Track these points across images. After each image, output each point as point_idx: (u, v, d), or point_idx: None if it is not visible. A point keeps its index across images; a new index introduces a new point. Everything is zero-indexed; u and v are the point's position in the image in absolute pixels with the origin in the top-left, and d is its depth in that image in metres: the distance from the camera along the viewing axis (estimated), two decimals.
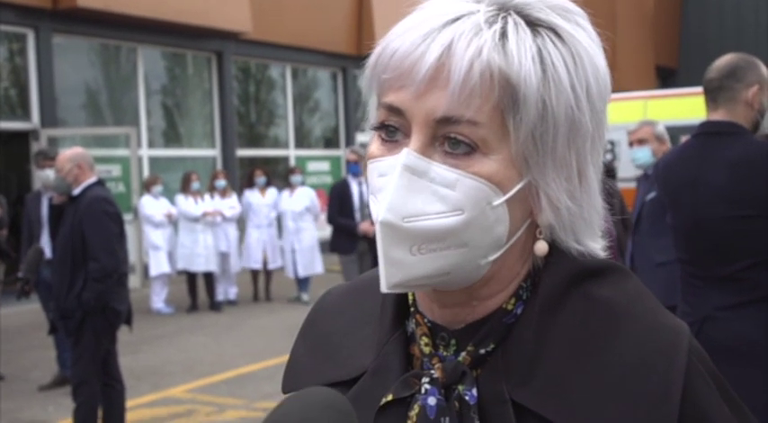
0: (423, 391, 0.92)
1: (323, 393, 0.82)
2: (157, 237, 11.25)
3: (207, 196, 11.62)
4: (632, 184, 6.67)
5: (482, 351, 0.92)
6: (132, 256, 10.33)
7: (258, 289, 12.08)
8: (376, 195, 0.90)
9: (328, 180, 17.04)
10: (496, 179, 0.87)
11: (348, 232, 9.07)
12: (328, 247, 9.62)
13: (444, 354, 0.95)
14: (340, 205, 9.16)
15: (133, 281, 10.55)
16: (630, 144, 6.13)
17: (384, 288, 0.89)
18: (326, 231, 10.15)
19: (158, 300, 11.22)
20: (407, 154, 0.87)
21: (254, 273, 12.08)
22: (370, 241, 9.17)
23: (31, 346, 8.85)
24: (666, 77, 25.28)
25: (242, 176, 13.31)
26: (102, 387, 5.38)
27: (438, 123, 0.86)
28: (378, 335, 1.00)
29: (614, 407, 0.86)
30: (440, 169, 0.86)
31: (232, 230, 11.79)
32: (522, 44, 0.86)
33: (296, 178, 11.82)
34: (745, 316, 3.05)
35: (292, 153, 17.48)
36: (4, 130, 12.64)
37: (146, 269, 11.70)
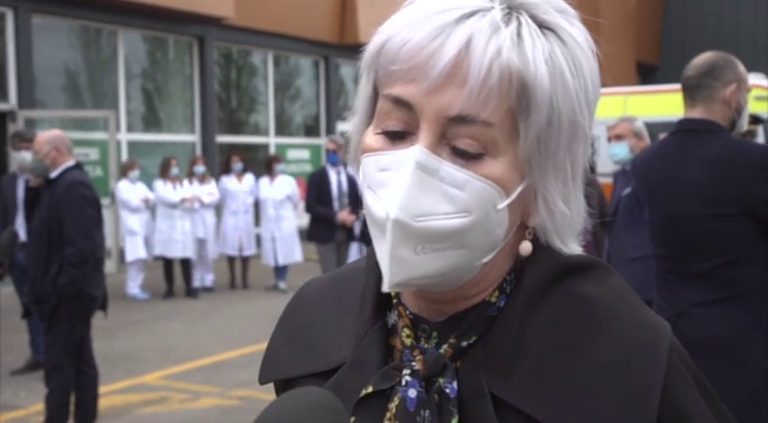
0: (403, 383, 0.91)
1: (314, 393, 0.81)
2: (134, 222, 11.18)
3: (185, 182, 11.55)
4: (610, 179, 6.71)
5: (464, 343, 0.92)
6: (108, 241, 10.25)
7: (235, 276, 12.04)
8: (376, 190, 0.88)
9: (308, 168, 17.00)
10: (503, 182, 0.87)
11: (326, 221, 9.05)
12: (306, 235, 9.60)
13: (425, 346, 0.94)
14: (318, 194, 9.14)
15: (109, 266, 10.48)
16: (609, 140, 6.17)
17: (386, 287, 0.88)
18: (305, 220, 10.13)
19: (134, 285, 11.17)
20: (420, 151, 0.85)
21: (231, 259, 12.04)
22: (348, 231, 9.17)
23: (3, 329, 8.76)
24: (647, 74, 25.40)
25: (221, 163, 13.25)
26: (75, 373, 5.35)
27: (450, 121, 0.85)
28: (357, 326, 0.99)
29: (594, 403, 0.86)
30: (450, 169, 0.85)
31: (210, 217, 11.74)
32: (536, 47, 0.85)
33: (280, 167, 11.78)
34: (719, 313, 3.07)
35: (272, 140, 17.41)
36: None
37: (122, 254, 11.63)
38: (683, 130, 3.27)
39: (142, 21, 14.35)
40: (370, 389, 0.93)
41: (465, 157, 0.86)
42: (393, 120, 0.88)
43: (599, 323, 0.90)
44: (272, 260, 11.53)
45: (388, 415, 0.92)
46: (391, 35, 0.88)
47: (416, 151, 0.85)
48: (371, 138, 0.91)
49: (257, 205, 12.09)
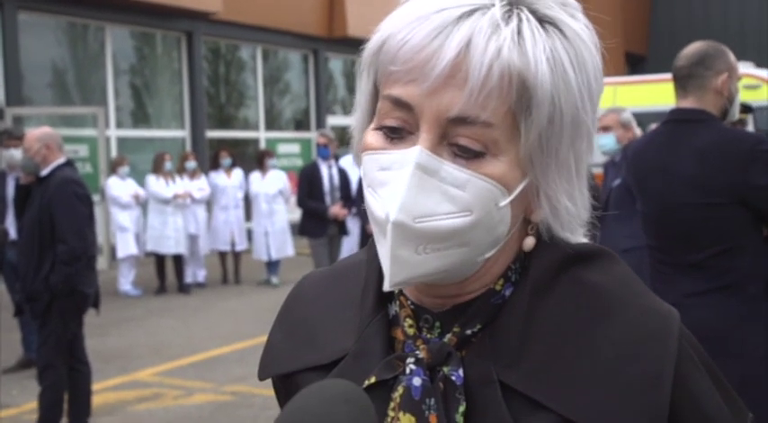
0: (407, 371, 0.91)
1: (341, 386, 0.80)
2: (124, 218, 11.15)
3: (177, 178, 11.52)
4: (601, 170, 6.72)
5: (468, 332, 0.91)
6: (99, 238, 10.22)
7: (227, 271, 12.02)
8: (376, 190, 0.88)
9: (299, 162, 16.98)
10: (505, 180, 0.86)
11: (318, 216, 9.04)
12: (297, 230, 9.59)
13: (428, 336, 0.94)
14: (309, 188, 9.12)
15: (100, 263, 10.43)
16: (596, 131, 6.17)
17: (387, 286, 0.88)
18: (297, 214, 10.12)
19: (126, 282, 11.14)
20: (420, 152, 0.85)
21: (223, 255, 12.02)
22: (340, 225, 9.16)
23: None
24: (635, 64, 25.43)
25: (211, 158, 13.23)
26: (68, 370, 5.33)
27: (450, 122, 0.85)
28: (359, 318, 0.99)
29: (604, 390, 0.85)
30: (450, 169, 0.85)
31: (201, 212, 11.72)
32: (537, 45, 0.85)
33: (271, 161, 11.75)
34: (712, 303, 3.08)
35: (263, 135, 17.38)
36: None
37: (113, 251, 11.60)
38: (675, 120, 3.27)
39: (130, 16, 14.29)
40: (372, 379, 0.93)
41: (466, 157, 0.85)
42: (393, 119, 0.88)
43: (607, 311, 0.90)
44: (265, 255, 11.50)
45: (392, 405, 0.91)
46: (391, 34, 0.87)
47: (416, 152, 0.85)
48: (372, 136, 0.90)
49: (248, 200, 12.06)
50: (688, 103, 3.23)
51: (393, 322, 0.98)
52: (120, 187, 11.14)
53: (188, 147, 15.26)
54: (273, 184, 11.54)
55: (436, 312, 0.94)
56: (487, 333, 0.91)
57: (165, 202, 11.19)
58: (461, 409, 0.89)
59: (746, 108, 9.36)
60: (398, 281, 0.87)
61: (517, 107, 0.85)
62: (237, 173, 12.07)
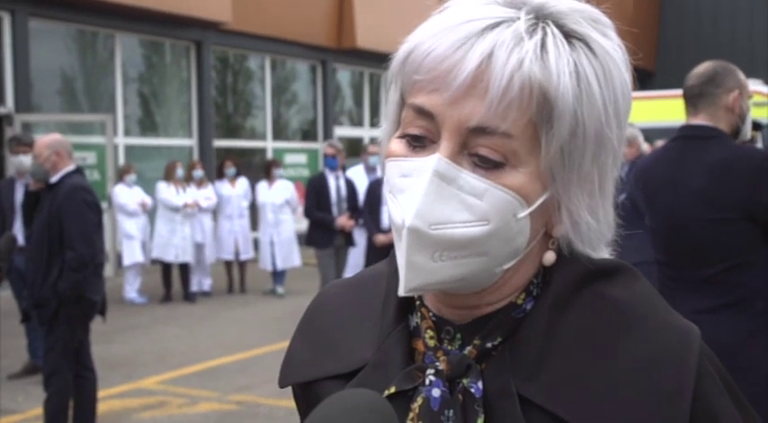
0: (427, 382, 0.92)
1: (365, 396, 0.80)
2: (131, 226, 11.16)
3: (192, 186, 11.54)
4: None
5: (489, 345, 0.92)
6: (106, 245, 10.23)
7: (233, 281, 12.03)
8: (396, 196, 0.89)
9: (305, 173, 17.00)
10: (523, 192, 0.87)
11: (325, 226, 9.05)
12: (304, 240, 9.59)
13: (449, 348, 0.94)
14: (317, 199, 9.13)
15: (106, 270, 10.46)
16: None
17: (402, 291, 0.88)
18: (303, 224, 10.13)
19: (131, 289, 11.14)
20: (438, 160, 0.86)
21: (229, 264, 12.03)
22: (347, 236, 9.17)
23: (1, 334, 8.74)
24: (643, 79, 25.46)
25: (216, 167, 13.26)
26: (74, 377, 5.33)
27: (470, 132, 0.86)
28: (379, 328, 1.00)
29: (623, 405, 0.86)
30: (469, 178, 0.86)
31: (207, 221, 11.73)
32: (561, 58, 0.86)
33: (279, 171, 11.78)
34: (721, 319, 3.08)
35: (270, 145, 17.41)
36: None
37: (119, 258, 11.61)
38: (685, 137, 3.28)
39: (139, 25, 14.35)
40: (392, 389, 0.93)
41: (485, 167, 0.86)
42: (415, 127, 0.89)
43: (628, 326, 0.90)
44: (270, 265, 11.50)
45: (411, 415, 0.92)
46: (417, 44, 0.88)
47: (435, 160, 0.86)
48: (395, 144, 0.92)
49: (255, 209, 12.08)
50: (699, 120, 3.24)
51: (413, 333, 0.99)
52: (126, 195, 11.17)
53: (195, 155, 15.30)
54: (280, 194, 11.55)
55: (458, 324, 0.95)
56: (508, 346, 0.92)
57: (175, 210, 11.20)
58: (480, 421, 0.89)
59: (756, 125, 9.35)
60: (413, 286, 0.88)
61: (538, 119, 0.85)
62: (242, 182, 12.10)
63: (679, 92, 3.42)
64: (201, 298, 11.42)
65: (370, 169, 10.03)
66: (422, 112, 0.88)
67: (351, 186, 9.36)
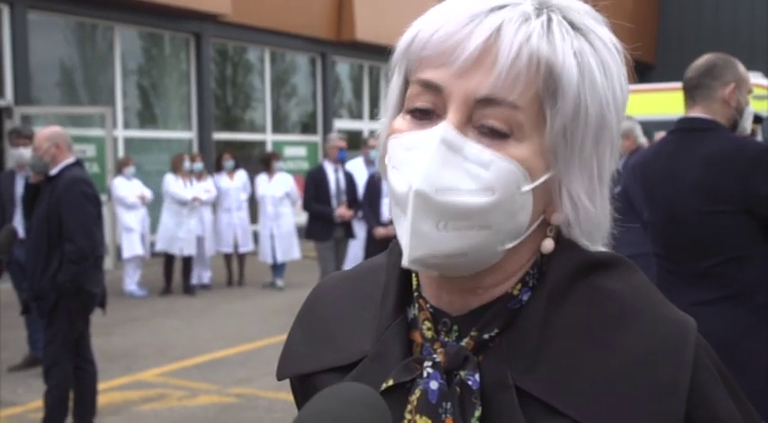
0: (425, 375, 0.92)
1: (358, 390, 0.80)
2: (130, 218, 11.16)
3: (194, 180, 11.54)
4: None
5: (485, 336, 0.92)
6: (105, 238, 10.23)
7: (232, 273, 12.04)
8: (401, 168, 0.89)
9: (305, 165, 17.00)
10: (528, 165, 0.88)
11: (324, 219, 9.05)
12: (304, 233, 9.59)
13: (446, 339, 0.95)
14: (316, 192, 9.13)
15: (106, 263, 10.45)
16: None
17: (405, 261, 0.89)
18: (303, 217, 10.13)
19: (131, 282, 11.15)
20: (445, 127, 0.87)
21: (228, 257, 12.04)
22: (347, 228, 9.17)
23: (1, 326, 8.75)
24: (643, 72, 25.44)
25: (215, 160, 13.26)
26: (74, 369, 5.35)
27: (477, 103, 0.87)
28: (378, 320, 1.00)
29: (621, 396, 0.86)
30: (475, 148, 0.87)
31: (207, 214, 11.73)
32: (565, 40, 0.88)
33: (278, 164, 11.78)
34: (719, 312, 3.08)
35: (269, 138, 17.40)
36: None
37: (118, 251, 11.62)
38: (683, 129, 3.29)
39: (138, 17, 14.33)
40: (390, 382, 0.94)
41: (491, 137, 0.87)
42: (422, 101, 0.91)
43: (624, 318, 0.91)
44: (270, 257, 11.51)
45: (409, 407, 0.92)
46: (422, 28, 0.90)
47: (442, 128, 0.87)
48: (399, 121, 0.93)
49: (254, 202, 12.08)
50: (696, 113, 3.25)
51: (411, 325, 0.99)
52: (125, 188, 11.16)
53: (195, 148, 15.30)
54: (280, 187, 11.55)
55: (455, 316, 0.95)
56: (504, 338, 0.92)
57: (183, 203, 11.21)
58: (477, 413, 0.89)
59: (756, 118, 9.35)
60: (417, 256, 0.88)
61: (544, 94, 0.87)
62: (240, 175, 12.09)
63: (679, 84, 3.43)
64: (201, 291, 11.42)
65: (369, 162, 10.03)
66: (428, 86, 0.90)
67: (350, 179, 9.36)
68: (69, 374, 5.29)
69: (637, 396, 0.86)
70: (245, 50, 17.23)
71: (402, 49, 0.93)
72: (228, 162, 11.98)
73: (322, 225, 9.06)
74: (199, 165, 11.63)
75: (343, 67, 19.34)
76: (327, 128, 17.81)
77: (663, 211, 3.30)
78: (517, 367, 0.90)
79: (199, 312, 10.03)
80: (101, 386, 5.83)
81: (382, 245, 7.65)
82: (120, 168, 11.38)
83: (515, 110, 0.87)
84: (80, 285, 5.12)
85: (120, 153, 13.55)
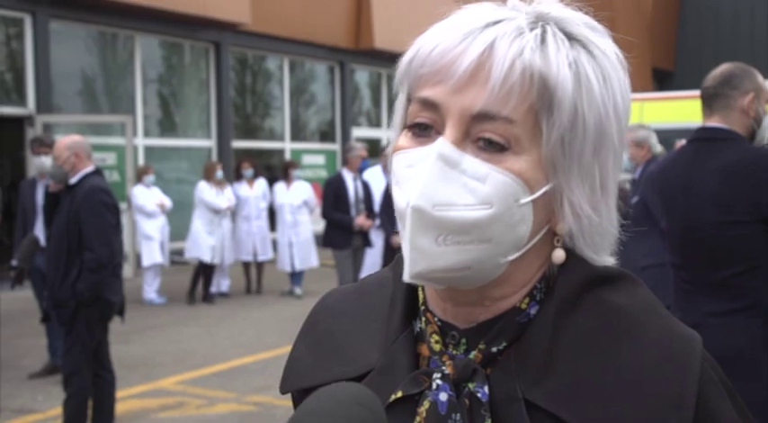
0: (434, 386, 0.93)
1: (353, 389, 0.80)
2: (150, 227, 11.22)
3: (228, 188, 11.61)
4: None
5: (494, 349, 0.93)
6: (125, 246, 10.29)
7: (251, 281, 12.07)
8: (402, 185, 0.91)
9: (323, 174, 17.04)
10: (525, 177, 0.88)
11: (343, 227, 9.06)
12: (321, 241, 9.61)
13: (454, 352, 0.95)
14: (335, 200, 9.15)
15: (126, 271, 10.52)
16: None
17: (406, 277, 0.90)
18: (321, 225, 10.15)
19: (150, 290, 11.21)
20: (442, 143, 0.88)
21: (246, 265, 12.08)
22: (364, 237, 9.18)
23: (22, 332, 8.84)
24: (663, 80, 25.32)
25: (234, 169, 13.32)
26: (93, 377, 5.38)
27: (474, 119, 0.88)
28: (385, 333, 1.01)
29: (628, 409, 0.87)
30: (472, 162, 0.88)
31: (226, 222, 11.79)
32: (560, 52, 0.89)
33: (296, 172, 11.81)
34: (735, 324, 3.07)
35: (288, 146, 17.47)
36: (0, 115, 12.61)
37: (138, 259, 11.68)
38: (700, 139, 3.28)
39: (159, 26, 14.45)
40: (399, 394, 0.94)
41: (489, 151, 0.88)
42: (421, 118, 0.92)
43: (631, 332, 0.91)
44: (288, 266, 11.54)
45: (418, 419, 0.93)
46: (422, 44, 0.92)
47: (439, 144, 0.88)
48: (402, 138, 0.94)
49: (273, 211, 12.12)
50: (713, 122, 3.23)
51: (418, 338, 1.00)
52: (145, 196, 11.23)
53: (214, 156, 15.38)
54: (298, 195, 11.58)
55: (462, 329, 0.96)
56: (513, 351, 0.93)
57: (217, 211, 11.28)
58: None
59: None
60: (418, 271, 0.89)
61: (539, 106, 0.88)
62: (260, 183, 12.13)
63: (699, 92, 3.41)
64: (220, 299, 11.47)
65: (388, 171, 10.02)
66: (427, 104, 0.91)
67: (366, 188, 9.37)
68: (88, 383, 5.33)
69: (644, 408, 0.87)
70: (264, 59, 17.32)
71: (403, 67, 0.95)
72: (247, 170, 12.02)
73: (341, 233, 9.07)
74: (220, 173, 11.70)
75: (361, 76, 19.39)
76: (346, 136, 17.85)
77: (680, 221, 3.28)
78: (526, 380, 0.90)
79: (217, 320, 10.06)
80: (119, 394, 5.87)
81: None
82: (139, 177, 11.45)
83: (511, 124, 0.88)
84: (99, 294, 5.16)
85: (141, 161, 13.64)
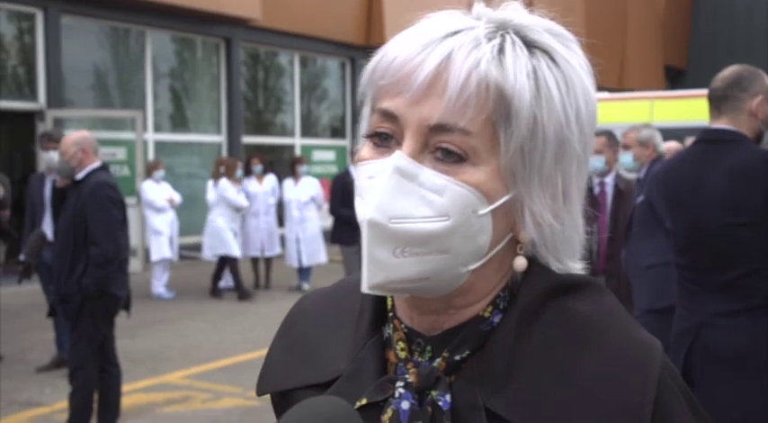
0: (396, 395, 0.93)
1: (333, 404, 0.80)
2: (159, 221, 11.26)
3: (245, 182, 11.67)
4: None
5: (457, 357, 0.93)
6: (134, 241, 10.34)
7: (259, 277, 12.10)
8: (363, 196, 0.91)
9: (333, 170, 17.05)
10: (483, 189, 0.88)
11: (351, 224, 9.06)
12: (330, 238, 9.61)
13: (419, 360, 0.96)
14: (342, 196, 9.15)
15: (135, 265, 10.58)
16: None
17: (364, 288, 0.90)
18: (329, 221, 10.16)
19: (159, 285, 11.25)
20: (399, 156, 0.88)
21: (255, 260, 12.10)
22: None
23: (30, 326, 8.88)
24: (675, 78, 25.22)
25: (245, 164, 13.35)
26: (98, 371, 5.40)
27: (431, 130, 0.88)
28: (354, 339, 1.01)
29: (587, 417, 0.87)
30: (429, 174, 0.88)
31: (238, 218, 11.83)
32: (518, 61, 0.88)
33: (303, 168, 11.84)
34: (739, 325, 3.05)
35: (298, 141, 17.48)
36: (11, 110, 12.66)
37: (147, 253, 11.72)
38: (707, 140, 3.26)
39: (170, 21, 14.48)
40: (364, 401, 0.94)
41: (447, 162, 0.88)
42: (381, 127, 0.92)
43: (591, 340, 0.91)
44: (296, 261, 11.56)
45: None
46: (384, 54, 0.92)
47: (396, 157, 0.88)
48: (365, 150, 0.95)
49: (281, 206, 12.14)
50: (721, 124, 3.21)
51: (387, 344, 1.00)
52: (155, 191, 11.26)
53: (224, 152, 15.41)
54: (306, 191, 11.60)
55: (428, 336, 0.96)
56: (476, 359, 0.93)
57: (239, 209, 11.37)
58: None
59: None
60: (376, 283, 0.89)
61: (496, 117, 0.88)
62: (270, 179, 12.14)
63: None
64: (227, 294, 11.50)
65: None
66: (386, 115, 0.91)
67: None
68: (94, 377, 5.35)
69: (602, 417, 0.87)
70: (276, 55, 17.34)
71: (366, 77, 0.95)
72: (257, 166, 12.04)
73: (348, 229, 9.07)
74: (240, 171, 11.72)
75: None
76: (356, 132, 17.79)
77: (685, 221, 3.27)
78: (487, 388, 0.90)
79: (225, 315, 10.09)
80: (125, 388, 5.89)
81: None
82: (149, 172, 11.48)
83: (468, 135, 0.87)
84: (105, 289, 5.17)
85: (151, 156, 13.68)
